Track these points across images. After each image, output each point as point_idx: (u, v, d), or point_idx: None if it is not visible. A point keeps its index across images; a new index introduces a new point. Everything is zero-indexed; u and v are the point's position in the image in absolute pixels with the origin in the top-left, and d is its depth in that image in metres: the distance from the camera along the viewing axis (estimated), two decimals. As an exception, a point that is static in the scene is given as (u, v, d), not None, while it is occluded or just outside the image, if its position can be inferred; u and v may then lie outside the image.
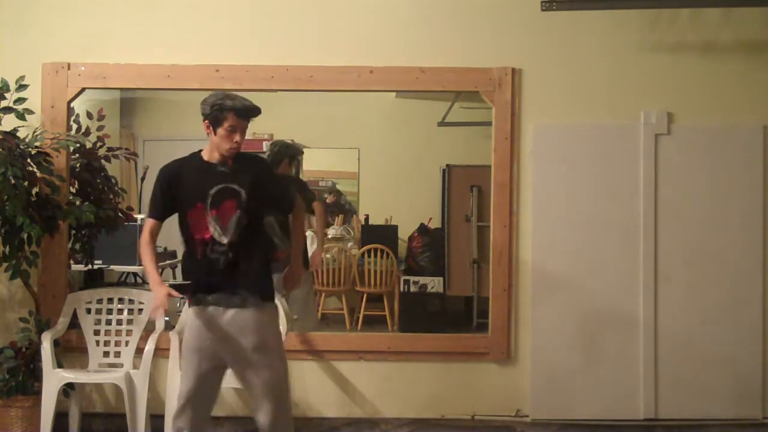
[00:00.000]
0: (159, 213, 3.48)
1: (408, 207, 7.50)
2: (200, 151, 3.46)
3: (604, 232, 4.68)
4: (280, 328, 4.43)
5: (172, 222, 3.56)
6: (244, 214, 3.35)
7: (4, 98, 4.35)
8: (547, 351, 4.66)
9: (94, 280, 5.18)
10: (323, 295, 6.89)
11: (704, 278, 4.67)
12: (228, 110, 3.32)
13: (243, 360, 3.36)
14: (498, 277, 4.70)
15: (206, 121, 3.36)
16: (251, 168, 3.44)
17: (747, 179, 4.69)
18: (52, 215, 4.35)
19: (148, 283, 3.45)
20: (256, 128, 8.20)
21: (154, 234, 3.48)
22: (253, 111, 3.40)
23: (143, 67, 4.68)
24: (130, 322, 4.55)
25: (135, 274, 6.51)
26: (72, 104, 4.73)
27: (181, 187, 3.40)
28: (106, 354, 4.53)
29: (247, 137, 8.57)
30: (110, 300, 4.60)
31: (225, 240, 3.34)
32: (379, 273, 6.63)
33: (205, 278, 3.37)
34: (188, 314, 3.45)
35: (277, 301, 3.56)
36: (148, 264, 3.41)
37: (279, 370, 3.40)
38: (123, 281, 6.43)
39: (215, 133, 3.35)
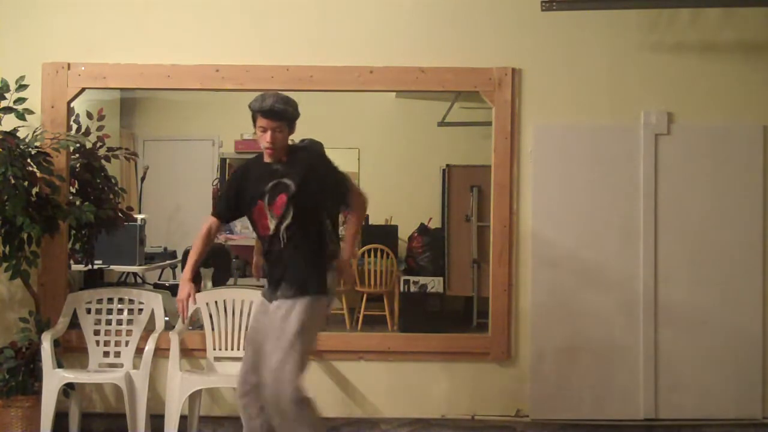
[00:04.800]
0: (218, 211, 3.67)
1: (408, 207, 7.49)
2: (262, 153, 3.59)
3: (605, 232, 4.69)
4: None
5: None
6: (294, 206, 3.44)
7: (4, 98, 4.35)
8: (547, 351, 4.66)
9: (94, 280, 5.18)
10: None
11: (704, 278, 4.67)
12: (255, 112, 3.48)
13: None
14: (498, 277, 4.70)
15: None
16: (303, 160, 3.55)
17: (747, 179, 4.70)
18: (52, 215, 4.35)
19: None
20: (255, 128, 8.21)
21: (210, 231, 3.64)
22: (276, 112, 3.44)
23: (143, 67, 4.68)
24: (130, 322, 4.55)
25: (135, 274, 6.51)
26: (72, 104, 4.73)
27: (244, 188, 3.56)
28: (106, 354, 4.53)
29: (247, 137, 8.60)
30: (110, 300, 4.60)
31: (277, 231, 3.47)
32: (379, 273, 6.62)
33: (269, 268, 3.57)
34: (258, 301, 3.69)
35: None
36: (189, 258, 3.59)
37: (288, 361, 3.35)
38: (123, 281, 6.44)
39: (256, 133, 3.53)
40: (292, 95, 5.22)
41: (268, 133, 3.45)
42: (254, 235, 3.72)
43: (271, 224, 3.47)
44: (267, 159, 3.53)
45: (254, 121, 3.49)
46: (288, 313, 3.41)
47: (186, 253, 6.77)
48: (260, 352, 3.48)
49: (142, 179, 8.11)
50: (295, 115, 3.50)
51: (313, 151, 3.83)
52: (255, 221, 3.55)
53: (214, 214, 3.67)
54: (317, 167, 3.56)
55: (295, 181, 3.45)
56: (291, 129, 3.52)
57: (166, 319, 4.60)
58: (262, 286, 3.66)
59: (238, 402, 3.61)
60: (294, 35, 4.74)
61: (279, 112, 3.43)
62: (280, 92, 3.57)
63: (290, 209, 3.44)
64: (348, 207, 3.68)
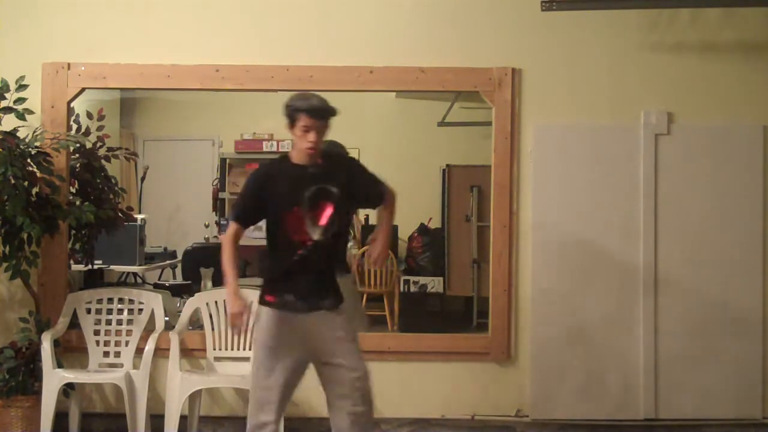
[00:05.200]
0: (244, 218, 3.51)
1: (408, 207, 7.44)
2: (287, 154, 3.48)
3: (604, 232, 4.68)
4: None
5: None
6: (338, 213, 3.39)
7: (4, 98, 4.35)
8: (547, 351, 4.66)
9: (94, 280, 5.18)
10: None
11: (704, 278, 4.67)
12: (298, 111, 3.34)
13: (327, 356, 3.41)
14: (498, 277, 4.70)
15: (287, 121, 3.40)
16: (342, 166, 3.50)
17: (747, 179, 4.69)
18: (52, 215, 4.35)
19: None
20: (256, 128, 8.22)
21: (237, 238, 3.51)
22: (325, 111, 3.37)
23: (143, 67, 4.68)
24: (130, 322, 4.55)
25: (135, 274, 6.51)
26: (72, 104, 4.73)
27: (272, 192, 3.42)
28: (106, 354, 4.53)
29: (247, 137, 8.62)
30: (110, 300, 4.60)
31: (323, 239, 3.38)
32: (379, 273, 6.62)
33: (295, 276, 3.40)
34: (266, 314, 3.43)
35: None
36: (227, 270, 3.44)
37: (363, 367, 3.45)
38: (123, 281, 6.43)
39: (292, 133, 3.39)
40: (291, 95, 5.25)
41: (312, 133, 3.33)
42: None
43: (313, 232, 3.35)
44: (301, 161, 3.41)
45: (294, 120, 3.35)
46: (343, 321, 3.43)
47: (186, 254, 6.80)
48: (302, 361, 3.41)
49: (142, 179, 8.11)
50: (335, 114, 3.44)
51: (345, 153, 3.70)
52: (286, 227, 3.39)
53: (235, 220, 3.52)
54: (354, 170, 3.52)
55: (338, 186, 3.38)
56: (327, 130, 3.44)
57: (166, 319, 4.60)
58: (260, 286, 3.54)
59: (252, 420, 3.41)
60: (294, 35, 4.74)
61: (328, 111, 3.37)
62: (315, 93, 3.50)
63: (336, 215, 3.37)
64: (383, 203, 3.61)
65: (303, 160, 3.41)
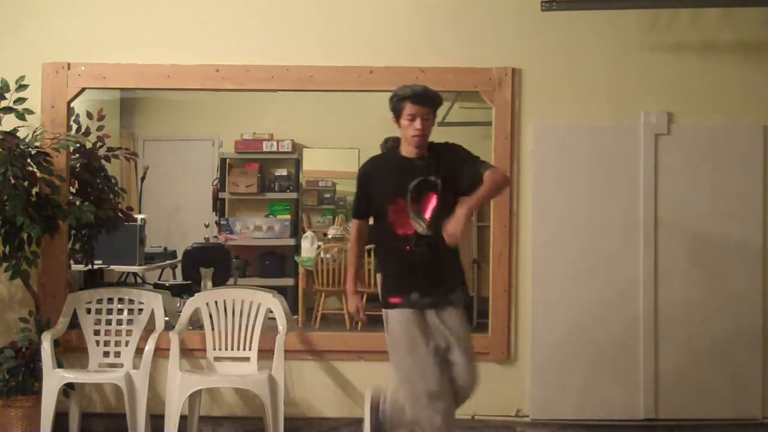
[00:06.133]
0: (359, 212, 3.58)
1: (408, 207, 7.49)
2: (397, 146, 3.50)
3: (604, 232, 4.68)
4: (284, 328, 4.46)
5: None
6: (442, 204, 3.37)
7: (4, 98, 4.35)
8: (547, 351, 4.66)
9: (94, 280, 5.18)
10: (323, 295, 6.89)
11: (704, 278, 4.66)
12: (403, 99, 3.37)
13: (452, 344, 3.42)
14: (498, 277, 4.70)
15: (393, 116, 3.43)
16: (446, 156, 3.47)
17: (747, 179, 4.69)
18: (52, 215, 4.36)
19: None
20: (256, 128, 8.22)
21: (361, 233, 3.58)
22: (430, 97, 3.38)
23: (143, 67, 4.68)
24: (130, 322, 4.55)
25: (135, 274, 6.51)
26: (72, 104, 4.73)
27: (376, 184, 3.46)
28: (106, 354, 4.53)
29: (247, 137, 8.60)
30: (110, 300, 4.60)
31: (428, 233, 3.36)
32: (379, 273, 6.61)
33: (411, 273, 3.41)
34: (401, 314, 3.42)
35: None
36: (349, 269, 3.64)
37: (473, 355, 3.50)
38: (123, 281, 6.44)
39: (399, 125, 3.41)
40: (292, 95, 5.25)
41: (418, 120, 3.34)
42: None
43: (417, 225, 3.36)
44: (409, 153, 3.43)
45: (399, 111, 3.37)
46: (462, 318, 3.45)
47: (186, 254, 6.80)
48: (443, 361, 3.41)
49: (142, 179, 8.11)
50: (442, 102, 3.45)
51: (447, 142, 3.60)
52: (391, 219, 3.40)
53: (357, 216, 3.59)
54: (456, 156, 3.47)
55: (442, 177, 3.37)
56: (434, 120, 3.43)
57: (166, 319, 4.59)
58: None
59: (425, 407, 3.33)
60: (294, 35, 4.74)
61: (432, 97, 3.38)
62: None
63: (440, 208, 3.36)
64: (481, 178, 3.38)
65: (411, 152, 3.42)
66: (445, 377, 3.38)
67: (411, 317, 3.40)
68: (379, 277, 3.60)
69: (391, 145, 3.60)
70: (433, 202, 3.38)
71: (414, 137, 3.37)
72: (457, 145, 3.59)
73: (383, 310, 3.50)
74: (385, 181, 3.44)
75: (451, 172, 3.40)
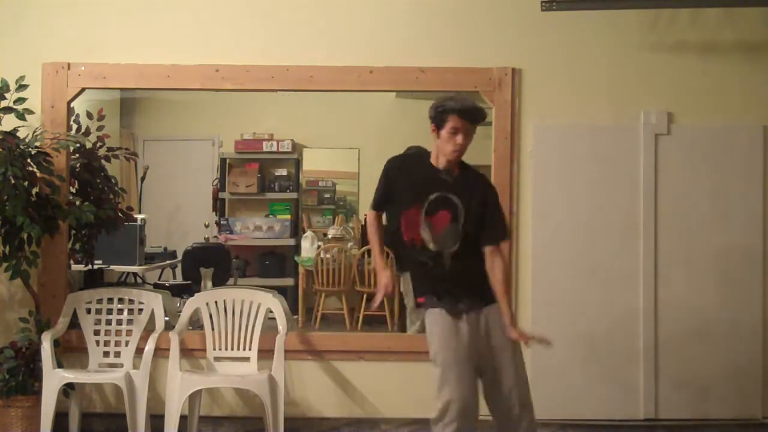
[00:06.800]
0: (378, 204, 3.50)
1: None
2: (428, 151, 3.43)
3: (604, 232, 4.68)
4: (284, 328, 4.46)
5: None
6: (457, 226, 3.31)
7: (4, 98, 4.35)
8: (547, 351, 4.64)
9: (94, 280, 5.18)
10: (323, 295, 6.90)
11: (704, 278, 4.66)
12: (449, 111, 3.27)
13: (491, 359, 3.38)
14: (498, 277, 4.69)
15: (432, 124, 3.33)
16: (476, 185, 3.40)
17: (747, 179, 4.69)
18: (52, 215, 4.35)
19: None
20: (256, 128, 8.23)
21: (378, 222, 3.51)
22: (477, 113, 3.30)
23: (143, 67, 4.68)
24: (130, 322, 4.55)
25: (135, 274, 6.51)
26: (72, 104, 4.72)
27: (402, 183, 3.39)
28: (106, 354, 4.52)
29: (247, 137, 8.60)
30: (110, 300, 4.60)
31: (433, 247, 3.32)
32: (379, 273, 6.62)
33: (439, 283, 3.37)
34: (436, 316, 3.37)
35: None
36: (374, 248, 3.49)
37: (523, 368, 3.44)
38: (123, 281, 6.44)
39: (438, 136, 3.32)
40: (292, 95, 5.25)
41: (460, 136, 3.26)
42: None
43: (425, 234, 3.31)
44: (438, 163, 3.36)
45: (441, 122, 3.28)
46: (503, 325, 3.37)
47: (186, 254, 6.80)
48: (485, 373, 3.39)
49: (142, 179, 8.11)
50: (484, 120, 3.36)
51: (485, 176, 3.57)
52: (402, 221, 3.37)
53: (373, 207, 3.50)
54: (489, 197, 3.41)
55: (464, 202, 3.31)
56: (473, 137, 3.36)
57: (166, 319, 4.59)
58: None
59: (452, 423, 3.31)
60: (294, 35, 4.74)
61: (480, 113, 3.29)
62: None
63: (455, 228, 3.30)
64: (497, 244, 3.39)
65: (441, 162, 3.35)
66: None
67: (450, 324, 3.34)
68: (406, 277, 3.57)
69: (414, 151, 3.58)
70: (446, 220, 3.33)
71: (453, 152, 3.30)
72: (492, 187, 3.54)
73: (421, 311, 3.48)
74: (409, 183, 3.38)
75: (476, 209, 3.33)
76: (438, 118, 3.30)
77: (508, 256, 4.64)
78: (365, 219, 7.75)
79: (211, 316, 4.56)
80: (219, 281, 6.58)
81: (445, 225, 3.33)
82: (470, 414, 3.34)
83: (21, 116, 4.34)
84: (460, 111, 3.25)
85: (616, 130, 4.71)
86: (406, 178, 3.39)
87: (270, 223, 8.19)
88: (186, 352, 4.56)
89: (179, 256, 7.08)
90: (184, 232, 8.08)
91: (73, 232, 4.70)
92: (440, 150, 3.34)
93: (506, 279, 3.42)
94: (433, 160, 3.39)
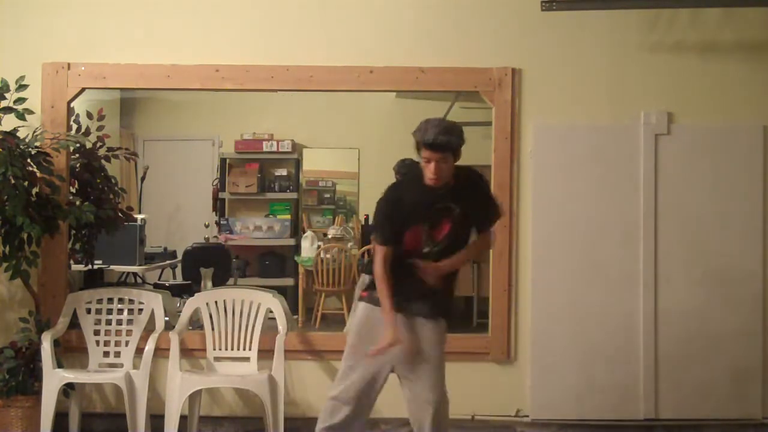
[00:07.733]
0: (388, 239, 3.43)
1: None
2: (420, 173, 3.40)
3: (604, 232, 4.68)
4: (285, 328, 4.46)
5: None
6: (455, 228, 3.40)
7: (4, 98, 4.35)
8: (547, 351, 4.66)
9: (94, 280, 5.18)
10: (323, 295, 6.90)
11: (704, 278, 4.66)
12: (419, 143, 3.30)
13: (414, 366, 3.44)
14: (498, 277, 4.70)
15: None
16: (469, 186, 3.45)
17: (747, 179, 4.69)
18: (52, 215, 4.35)
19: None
20: (256, 128, 8.23)
21: (387, 260, 3.41)
22: (443, 144, 3.24)
23: (143, 67, 4.68)
24: (130, 322, 4.55)
25: (135, 274, 6.52)
26: (72, 104, 4.73)
27: (405, 209, 3.40)
28: (106, 354, 4.53)
29: (247, 137, 8.58)
30: (110, 300, 4.60)
31: (426, 250, 3.39)
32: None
33: (402, 284, 3.38)
34: (365, 310, 3.48)
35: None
36: (384, 299, 3.37)
37: (443, 386, 3.50)
38: (123, 281, 6.44)
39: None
40: (292, 95, 5.24)
41: (433, 165, 3.28)
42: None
43: (426, 242, 3.39)
44: (430, 182, 3.38)
45: (418, 150, 3.33)
46: (441, 336, 3.44)
47: (186, 254, 6.80)
48: (388, 366, 3.45)
49: (142, 179, 8.11)
50: (459, 143, 3.31)
51: (475, 173, 3.56)
52: (406, 238, 3.40)
53: (385, 243, 3.41)
54: (479, 191, 3.49)
55: (460, 206, 3.37)
56: (456, 157, 3.34)
57: (166, 319, 4.60)
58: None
59: (334, 402, 3.47)
60: (294, 35, 4.74)
61: (442, 144, 3.25)
62: (443, 120, 3.39)
63: (453, 230, 3.39)
64: (487, 228, 3.55)
65: (434, 185, 3.37)
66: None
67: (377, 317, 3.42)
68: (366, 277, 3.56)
69: (407, 169, 3.56)
70: (447, 228, 3.40)
71: (430, 179, 3.32)
72: (482, 181, 3.58)
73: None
74: (409, 207, 3.39)
75: (468, 209, 3.41)
76: (416, 145, 3.34)
77: (508, 255, 4.67)
78: (365, 219, 7.80)
79: (211, 316, 4.56)
80: (219, 281, 6.58)
81: (446, 232, 3.41)
82: (357, 418, 3.54)
83: (21, 116, 4.35)
84: (425, 144, 3.26)
85: (616, 130, 4.71)
86: (408, 204, 3.41)
87: (270, 223, 8.19)
88: (186, 352, 4.56)
89: (179, 256, 7.08)
90: (184, 232, 8.08)
91: (73, 232, 4.70)
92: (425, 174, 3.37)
93: (479, 248, 3.63)
94: (426, 180, 3.37)
